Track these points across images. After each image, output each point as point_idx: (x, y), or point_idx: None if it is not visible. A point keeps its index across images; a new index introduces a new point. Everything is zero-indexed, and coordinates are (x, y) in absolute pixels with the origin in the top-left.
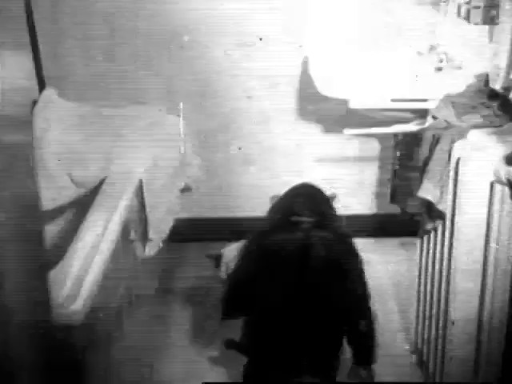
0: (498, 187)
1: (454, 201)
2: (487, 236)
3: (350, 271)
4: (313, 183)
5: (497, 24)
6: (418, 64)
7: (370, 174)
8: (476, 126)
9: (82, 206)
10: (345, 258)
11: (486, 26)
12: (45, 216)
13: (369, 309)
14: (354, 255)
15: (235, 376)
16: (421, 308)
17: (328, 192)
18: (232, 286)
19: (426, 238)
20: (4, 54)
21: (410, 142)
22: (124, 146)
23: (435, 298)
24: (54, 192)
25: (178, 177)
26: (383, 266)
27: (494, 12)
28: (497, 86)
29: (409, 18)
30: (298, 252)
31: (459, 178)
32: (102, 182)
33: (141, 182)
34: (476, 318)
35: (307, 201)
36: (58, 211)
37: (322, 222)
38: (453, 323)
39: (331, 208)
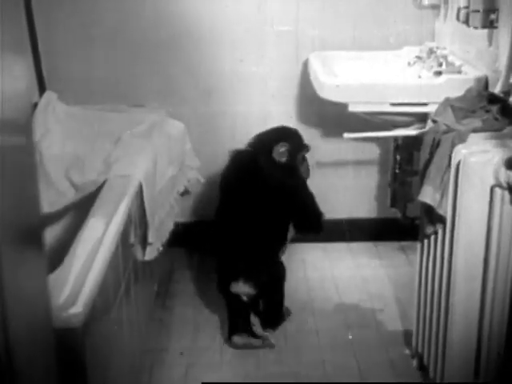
0: (498, 191)
1: (454, 205)
2: (487, 240)
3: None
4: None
5: (496, 28)
6: (418, 68)
7: (370, 178)
8: (476, 130)
9: (81, 209)
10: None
11: (486, 30)
12: (44, 219)
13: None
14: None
15: (235, 379)
16: (421, 312)
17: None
18: None
19: (426, 242)
20: (4, 56)
21: (410, 145)
22: (124, 150)
23: (435, 302)
24: (53, 195)
25: (178, 180)
26: (383, 269)
27: (493, 16)
28: (496, 89)
29: (408, 21)
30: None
31: (459, 181)
32: (101, 186)
33: (140, 185)
34: (476, 321)
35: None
36: (58, 215)
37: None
38: (453, 326)
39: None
